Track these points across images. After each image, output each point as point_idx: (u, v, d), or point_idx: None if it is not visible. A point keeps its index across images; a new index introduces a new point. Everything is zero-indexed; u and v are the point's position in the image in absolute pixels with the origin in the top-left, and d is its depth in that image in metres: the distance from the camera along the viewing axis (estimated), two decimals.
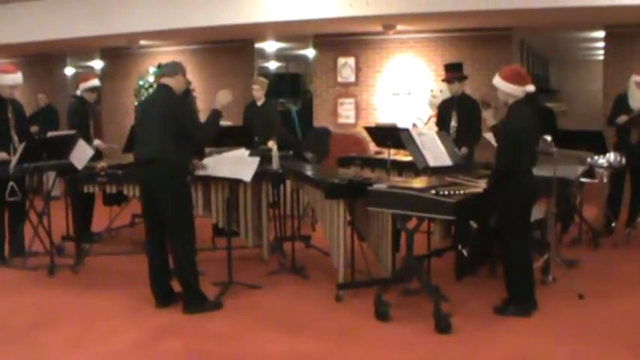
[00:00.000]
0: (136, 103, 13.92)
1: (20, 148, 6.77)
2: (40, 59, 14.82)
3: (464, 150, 7.53)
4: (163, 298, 5.89)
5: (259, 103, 9.21)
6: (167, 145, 5.61)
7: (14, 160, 6.78)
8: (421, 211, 5.31)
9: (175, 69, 5.90)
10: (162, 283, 5.90)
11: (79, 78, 8.72)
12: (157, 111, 5.71)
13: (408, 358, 4.88)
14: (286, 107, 15.02)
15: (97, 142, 8.21)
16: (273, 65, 19.46)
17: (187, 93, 12.61)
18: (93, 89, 8.33)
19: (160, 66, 13.11)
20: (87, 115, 8.21)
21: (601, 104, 10.85)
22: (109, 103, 14.52)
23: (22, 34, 11.88)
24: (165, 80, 5.84)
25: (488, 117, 5.78)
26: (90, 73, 10.94)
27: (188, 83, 12.79)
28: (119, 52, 14.06)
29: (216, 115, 5.90)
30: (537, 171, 5.71)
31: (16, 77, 7.42)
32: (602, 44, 12.00)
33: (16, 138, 7.28)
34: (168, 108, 5.69)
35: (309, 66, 16.20)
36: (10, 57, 14.97)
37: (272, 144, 8.08)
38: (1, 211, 7.35)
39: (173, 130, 5.63)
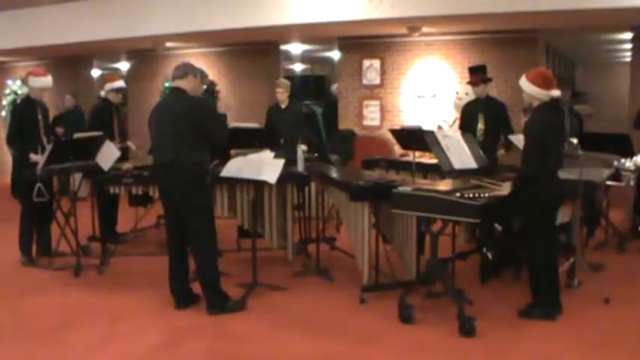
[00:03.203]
0: None
1: (48, 149, 6.84)
2: (67, 61, 14.95)
3: (502, 152, 7.56)
4: (182, 299, 5.92)
5: (283, 106, 9.18)
6: (182, 147, 5.61)
7: (42, 161, 6.85)
8: (446, 214, 5.29)
9: (184, 71, 5.88)
10: (180, 284, 5.93)
11: (104, 79, 8.79)
12: (171, 114, 5.72)
13: None
14: (311, 109, 15.01)
15: (129, 143, 8.46)
16: (298, 67, 19.46)
17: (212, 94, 12.66)
18: (118, 90, 8.44)
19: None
20: (110, 117, 8.31)
21: (628, 107, 10.75)
22: (135, 105, 14.59)
23: (49, 37, 12.03)
24: (177, 83, 5.84)
25: None
26: (115, 74, 11.02)
27: (213, 84, 12.87)
28: (145, 54, 14.15)
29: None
30: (563, 174, 5.67)
31: (47, 80, 7.52)
32: (629, 46, 11.88)
33: (45, 139, 7.37)
34: (183, 110, 5.70)
35: (334, 68, 16.18)
36: (38, 59, 15.14)
37: (301, 146, 8.07)
38: (28, 212, 7.44)
39: (188, 132, 5.63)
